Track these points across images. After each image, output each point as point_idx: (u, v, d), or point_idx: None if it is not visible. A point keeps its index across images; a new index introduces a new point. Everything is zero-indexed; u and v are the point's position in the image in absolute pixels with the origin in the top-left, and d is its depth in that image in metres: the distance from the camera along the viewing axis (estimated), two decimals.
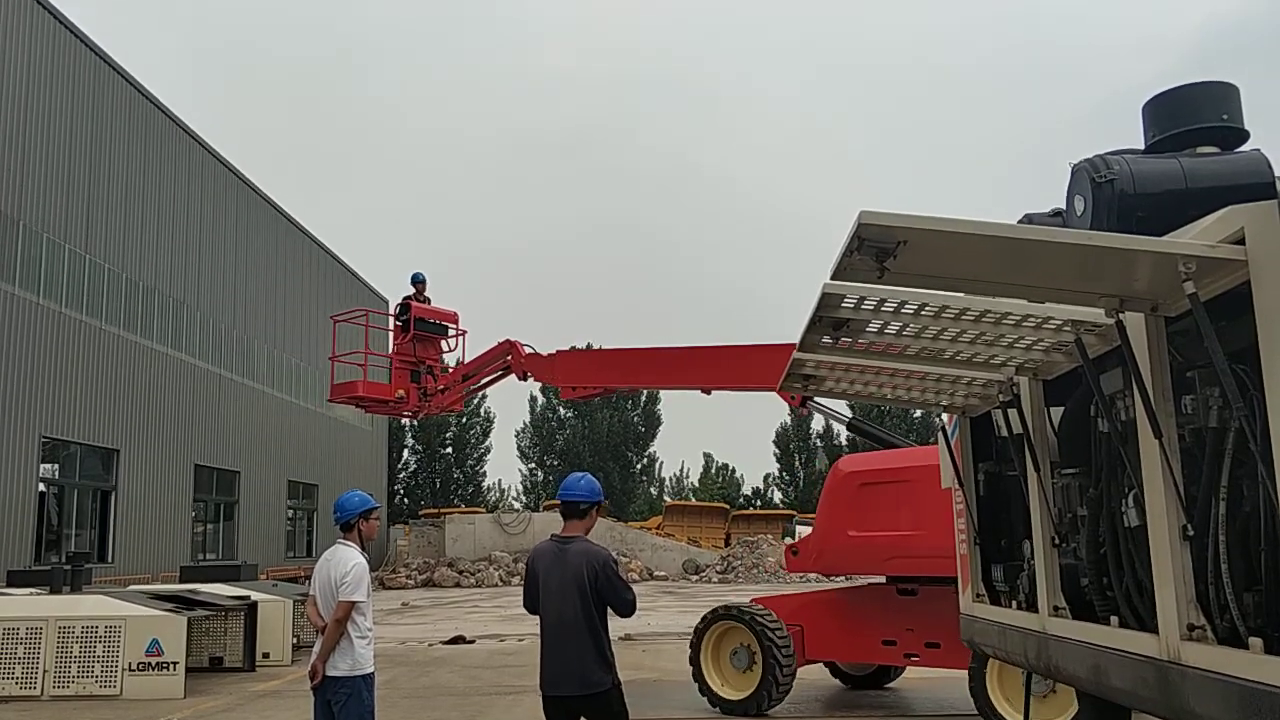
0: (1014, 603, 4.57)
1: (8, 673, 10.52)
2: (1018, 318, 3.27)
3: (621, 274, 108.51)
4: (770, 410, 76.69)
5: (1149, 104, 4.22)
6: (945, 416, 5.28)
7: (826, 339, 3.74)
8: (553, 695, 5.01)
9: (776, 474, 64.80)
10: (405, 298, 13.74)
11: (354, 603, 5.38)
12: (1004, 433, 5.10)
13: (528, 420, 60.83)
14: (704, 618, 9.50)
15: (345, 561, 5.45)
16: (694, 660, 9.32)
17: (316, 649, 5.51)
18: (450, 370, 13.75)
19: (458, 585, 35.08)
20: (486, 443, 59.38)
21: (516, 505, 55.14)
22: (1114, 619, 3.47)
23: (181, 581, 14.55)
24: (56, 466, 21.91)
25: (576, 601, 5.00)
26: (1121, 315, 2.95)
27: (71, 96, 22.01)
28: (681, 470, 68.62)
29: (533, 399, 59.75)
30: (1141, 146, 4.24)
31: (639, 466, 60.70)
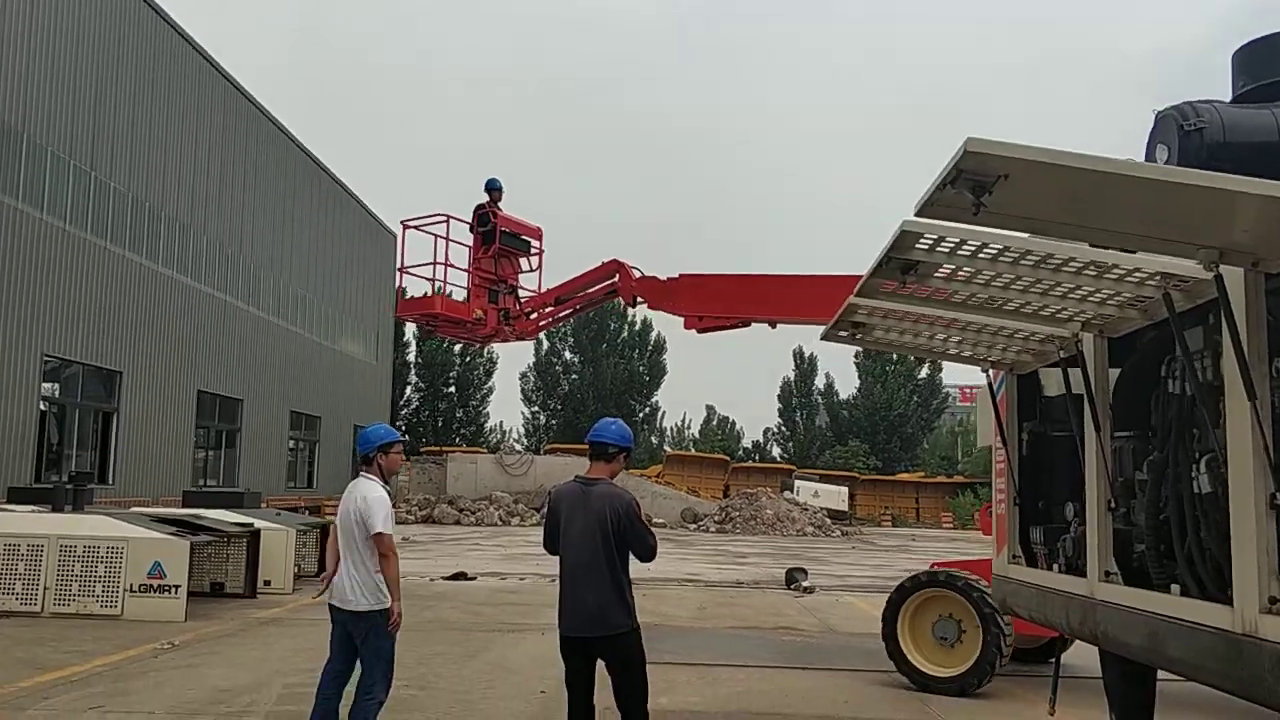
0: (1054, 566, 4.43)
1: (8, 589, 10.46)
2: (1103, 267, 3.06)
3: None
4: (775, 364, 76.72)
5: (1239, 52, 3.97)
6: (991, 373, 5.10)
7: (890, 283, 3.54)
8: (572, 636, 4.92)
9: (776, 429, 64.98)
10: (480, 206, 12.16)
11: (381, 534, 5.24)
12: (1051, 392, 4.93)
13: (532, 364, 60.86)
14: (901, 586, 8.31)
15: (365, 494, 5.32)
16: (889, 634, 8.15)
17: (381, 590, 5.31)
18: (534, 293, 12.31)
19: (458, 523, 35.27)
20: (490, 383, 59.49)
21: (518, 447, 55.29)
22: (1174, 587, 3.32)
23: (184, 506, 14.51)
24: (57, 386, 21.80)
25: (599, 543, 4.90)
26: (1220, 269, 2.75)
27: (84, 11, 21.48)
28: (683, 421, 68.91)
29: (538, 342, 59.64)
30: (1228, 97, 4.01)
31: (641, 415, 60.76)
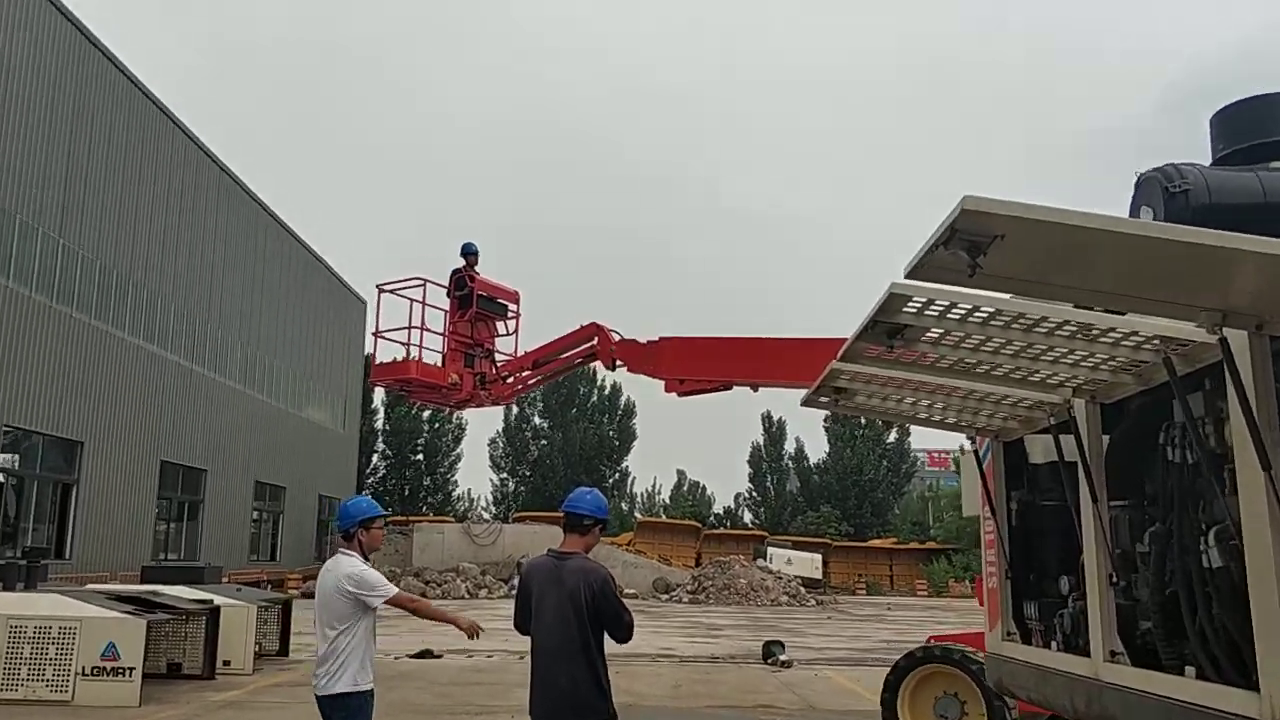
0: (1052, 643, 4.25)
1: None
2: (1099, 331, 2.96)
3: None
4: (744, 428, 76.62)
5: (1217, 116, 3.95)
6: (976, 440, 4.97)
7: (875, 347, 3.42)
8: None
9: (748, 494, 64.57)
10: (457, 270, 12.03)
11: (391, 597, 5.19)
12: (1037, 459, 4.81)
13: (501, 430, 60.29)
14: (898, 665, 7.98)
15: (350, 572, 5.09)
16: (889, 714, 7.83)
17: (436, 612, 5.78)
18: (510, 357, 12.11)
19: (424, 596, 34.43)
20: (458, 450, 58.74)
21: (486, 516, 54.44)
22: (1189, 669, 3.15)
23: (143, 582, 13.98)
24: (16, 457, 21.18)
25: (573, 623, 4.64)
26: (1224, 332, 2.65)
27: (51, 74, 21.41)
28: (654, 486, 68.26)
29: (507, 408, 59.15)
30: (1207, 161, 3.98)
31: (611, 481, 60.19)
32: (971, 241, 2.31)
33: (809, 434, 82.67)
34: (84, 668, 10.01)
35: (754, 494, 63.87)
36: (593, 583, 4.68)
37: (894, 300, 2.93)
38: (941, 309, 2.98)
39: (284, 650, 14.42)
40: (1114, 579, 3.63)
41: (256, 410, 32.73)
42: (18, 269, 20.25)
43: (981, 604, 5.32)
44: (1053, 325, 2.96)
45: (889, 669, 8.05)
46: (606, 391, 60.21)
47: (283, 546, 35.59)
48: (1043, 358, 3.32)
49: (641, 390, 60.74)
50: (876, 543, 52.07)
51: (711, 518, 61.57)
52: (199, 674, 11.91)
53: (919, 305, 2.98)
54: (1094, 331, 2.99)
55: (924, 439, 66.77)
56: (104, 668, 10.02)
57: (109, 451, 23.55)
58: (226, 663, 12.27)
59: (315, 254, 38.47)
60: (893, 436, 60.60)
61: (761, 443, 63.56)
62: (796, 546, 45.23)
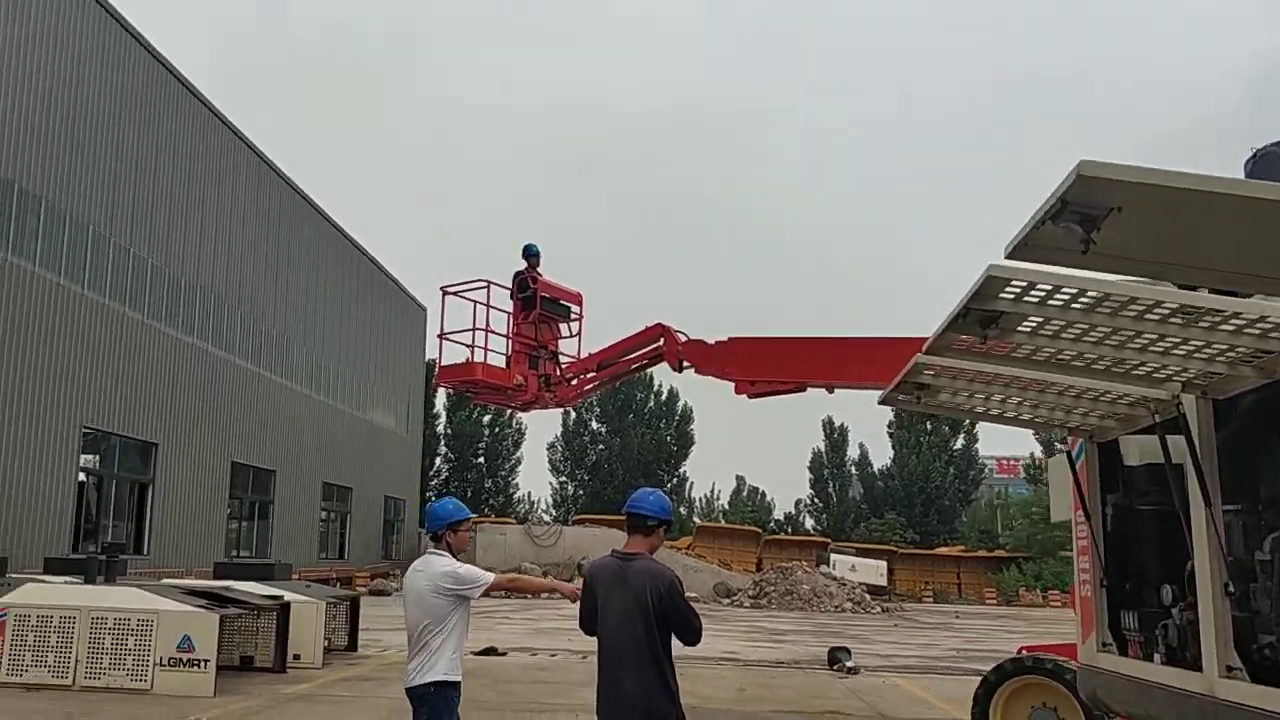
0: (1155, 656, 4.01)
1: (41, 660, 10.31)
2: (1223, 315, 2.73)
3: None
4: (805, 435, 75.89)
5: None
6: (1069, 440, 4.74)
7: (966, 338, 3.23)
8: None
9: (809, 500, 63.83)
10: (520, 272, 11.96)
11: (490, 585, 5.28)
12: (1134, 461, 4.57)
13: (559, 434, 60.56)
14: (986, 679, 7.64)
15: (444, 568, 5.14)
16: None
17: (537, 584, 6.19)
18: (574, 359, 11.98)
19: (487, 595, 34.66)
20: (518, 454, 59.19)
21: (547, 518, 54.71)
22: None
23: (215, 578, 14.26)
24: (96, 457, 21.86)
25: (640, 625, 4.52)
26: None
27: (121, 91, 22.07)
28: (712, 491, 67.96)
29: (565, 412, 59.39)
30: None
31: (669, 485, 60.02)
32: (1085, 214, 2.14)
33: (873, 440, 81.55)
34: (162, 658, 10.25)
35: (815, 500, 63.16)
36: (659, 585, 4.56)
37: (991, 284, 2.74)
38: (1044, 293, 2.79)
39: (352, 645, 14.60)
40: (1230, 588, 3.40)
41: (323, 414, 33.34)
42: (93, 277, 20.90)
43: (1075, 612, 5.07)
44: (1168, 311, 2.74)
45: (978, 682, 7.70)
46: (664, 397, 60.13)
47: (350, 545, 36.17)
48: (1151, 348, 3.10)
49: (699, 395, 60.59)
50: (943, 550, 51.05)
51: (772, 524, 61.03)
52: (270, 667, 12.09)
53: (1019, 289, 2.79)
54: (1216, 317, 2.75)
55: (992, 446, 65.45)
56: (180, 659, 10.24)
57: (182, 453, 24.18)
58: (296, 657, 12.44)
59: (377, 262, 39.10)
60: (960, 443, 59.43)
61: (823, 449, 62.82)
62: (861, 553, 44.54)
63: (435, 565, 5.17)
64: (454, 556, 5.29)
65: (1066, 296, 2.77)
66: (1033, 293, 2.79)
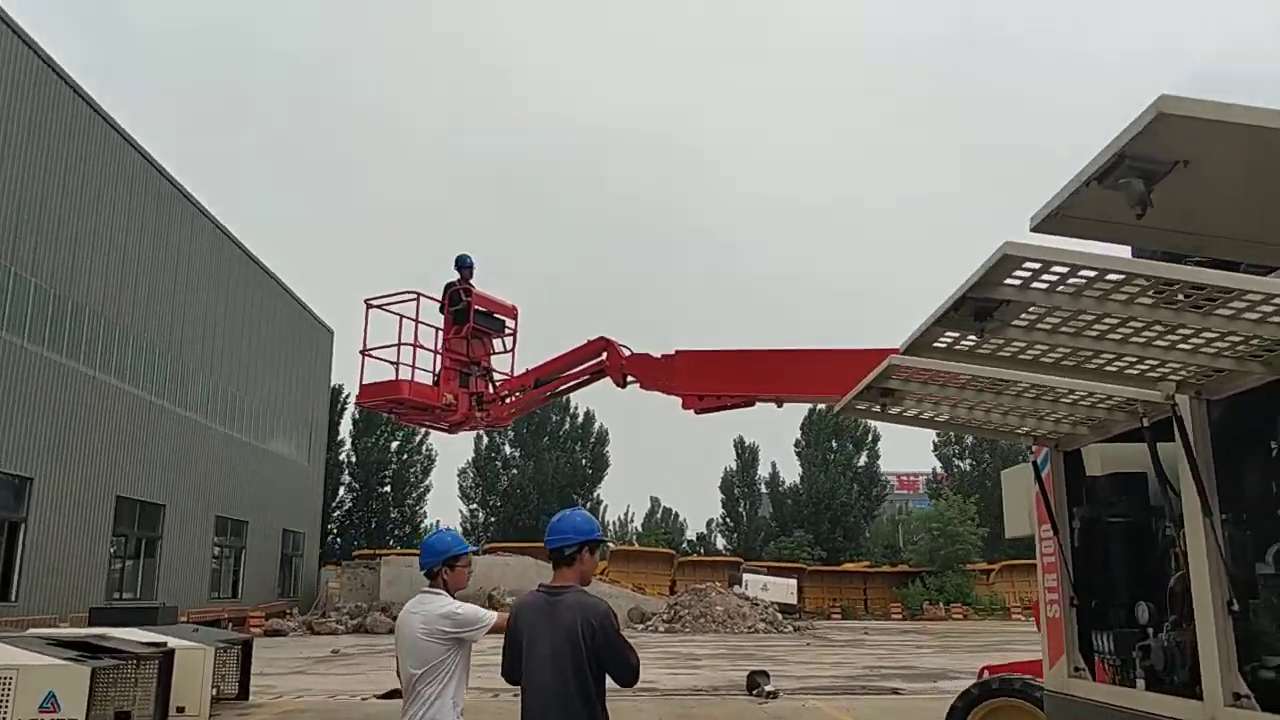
0: (1136, 681, 3.69)
1: None
2: (1261, 297, 2.35)
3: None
4: (718, 453, 76.14)
5: None
6: (1032, 450, 4.43)
7: (953, 334, 2.84)
8: None
9: (720, 519, 63.92)
10: (451, 284, 11.26)
11: (494, 623, 4.52)
12: (1096, 470, 4.28)
13: (471, 459, 59.27)
14: (958, 702, 7.30)
15: (440, 608, 4.47)
16: None
17: None
18: (508, 375, 11.34)
19: (392, 631, 33.27)
20: (427, 481, 57.62)
21: None
22: None
23: (91, 624, 13.05)
24: None
25: (569, 668, 3.97)
26: None
27: (5, 96, 20.55)
28: (627, 514, 67.47)
29: (478, 437, 58.16)
30: None
31: (584, 509, 59.22)
32: (1145, 169, 1.75)
33: (782, 458, 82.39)
34: None
35: (727, 520, 63.27)
36: (591, 619, 4.02)
37: (1004, 264, 2.33)
38: (1058, 276, 2.39)
39: (244, 694, 13.57)
40: (1233, 606, 3.08)
41: (218, 443, 31.65)
42: None
43: (1040, 630, 4.75)
44: (1200, 291, 2.36)
45: (947, 709, 7.32)
46: (579, 420, 59.51)
47: (245, 583, 34.36)
48: (1156, 342, 2.76)
49: (615, 417, 60.21)
50: (850, 566, 51.65)
51: (685, 544, 60.84)
52: None
53: (1029, 272, 2.40)
54: (1250, 299, 2.39)
55: (892, 462, 66.60)
56: None
57: (61, 487, 22.45)
58: (180, 709, 11.43)
59: (279, 280, 37.55)
60: (863, 460, 60.39)
61: (734, 468, 63.06)
62: (771, 572, 44.65)
63: (432, 606, 4.53)
64: (451, 595, 4.67)
65: (1089, 275, 2.36)
66: (1045, 276, 2.39)
